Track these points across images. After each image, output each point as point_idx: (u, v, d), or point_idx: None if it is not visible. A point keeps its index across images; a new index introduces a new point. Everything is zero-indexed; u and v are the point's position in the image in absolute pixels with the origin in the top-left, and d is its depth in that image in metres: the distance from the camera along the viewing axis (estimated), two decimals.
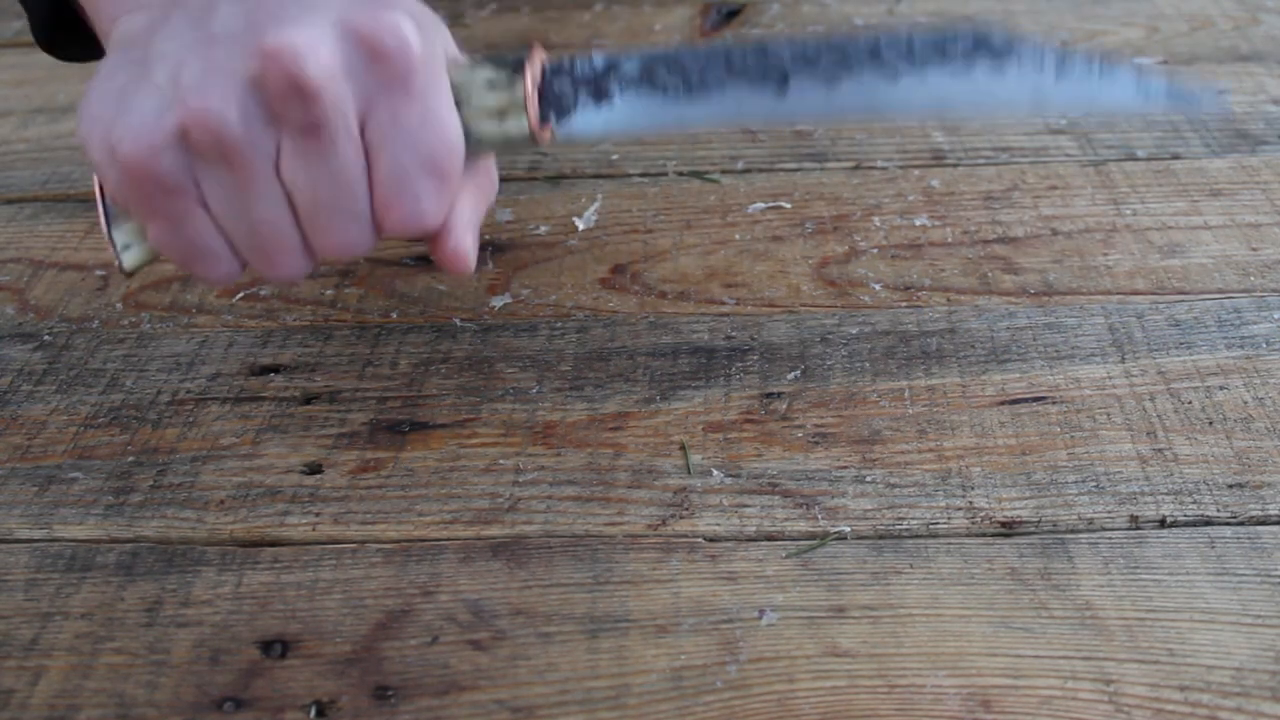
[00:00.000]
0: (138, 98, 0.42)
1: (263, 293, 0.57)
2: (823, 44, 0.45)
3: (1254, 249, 0.57)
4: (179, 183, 0.42)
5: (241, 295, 0.57)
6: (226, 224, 0.43)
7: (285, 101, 0.41)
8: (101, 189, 0.45)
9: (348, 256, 0.45)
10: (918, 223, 0.60)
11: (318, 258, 0.45)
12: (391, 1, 0.42)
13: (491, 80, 0.44)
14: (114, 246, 0.45)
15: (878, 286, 0.56)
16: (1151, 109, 0.44)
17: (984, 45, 0.44)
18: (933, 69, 0.44)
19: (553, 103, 0.45)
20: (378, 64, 0.41)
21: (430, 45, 0.43)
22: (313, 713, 0.39)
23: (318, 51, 0.40)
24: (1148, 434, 0.47)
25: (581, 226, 0.61)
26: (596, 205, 0.63)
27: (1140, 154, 0.65)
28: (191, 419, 0.50)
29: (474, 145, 0.45)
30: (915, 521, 0.44)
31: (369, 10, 0.41)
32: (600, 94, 0.45)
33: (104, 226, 0.45)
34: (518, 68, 0.45)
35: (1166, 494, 0.45)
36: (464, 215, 0.46)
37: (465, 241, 0.46)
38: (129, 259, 0.46)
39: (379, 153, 0.42)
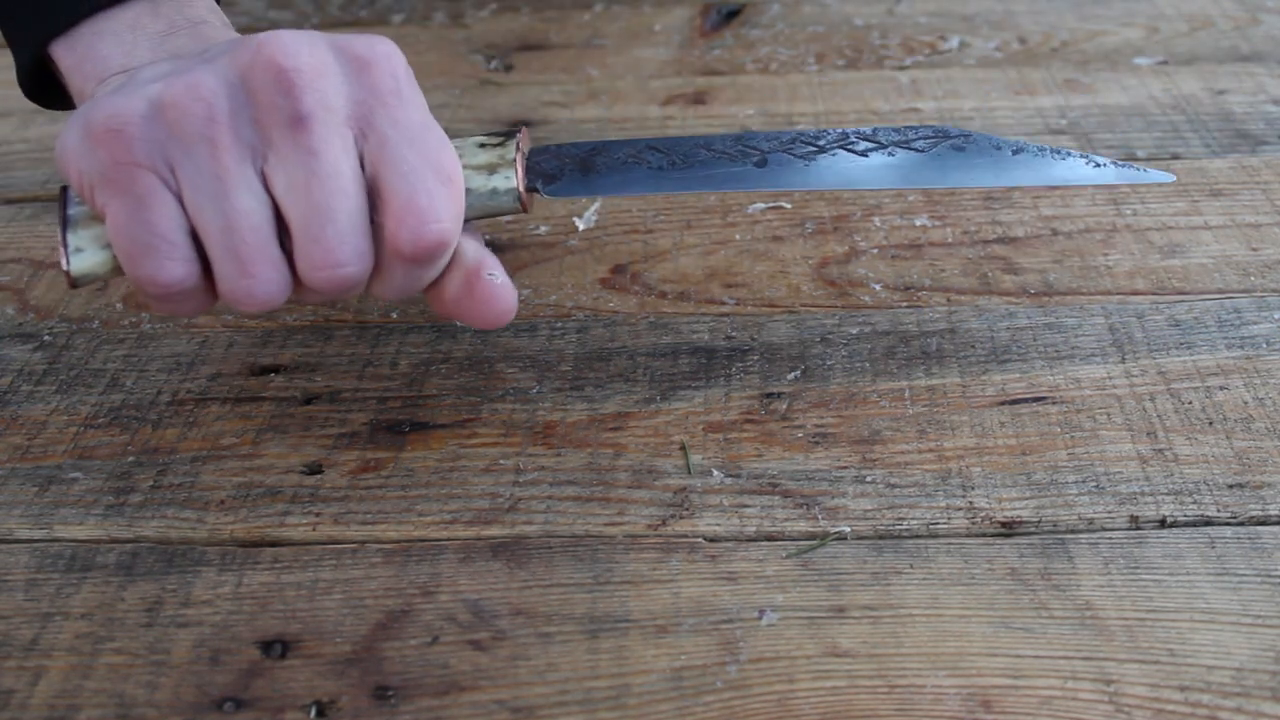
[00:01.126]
0: (120, 92, 0.42)
1: None
2: (796, 132, 0.49)
3: (1254, 249, 0.57)
4: (148, 156, 0.41)
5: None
6: (199, 216, 0.41)
7: (270, 91, 0.40)
8: (65, 194, 0.44)
9: (336, 286, 0.42)
10: (918, 223, 0.60)
11: (303, 278, 0.42)
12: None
13: (482, 143, 0.46)
14: (65, 249, 0.43)
15: (878, 286, 0.56)
16: (1103, 181, 0.50)
17: (941, 133, 0.49)
18: (899, 149, 0.49)
19: (539, 173, 0.48)
20: (367, 74, 0.42)
21: (413, 77, 0.44)
22: (313, 713, 0.39)
23: (301, 46, 0.41)
24: (1148, 434, 0.47)
25: (581, 226, 0.61)
26: (596, 205, 0.63)
27: (1140, 154, 0.65)
28: (192, 419, 0.50)
29: None
30: (915, 521, 0.44)
31: (356, 35, 0.43)
32: (587, 169, 0.48)
33: (60, 230, 0.44)
34: (508, 135, 0.46)
35: (1166, 494, 0.45)
36: (486, 251, 0.45)
37: (505, 275, 0.44)
38: (78, 263, 0.43)
39: (384, 158, 0.41)
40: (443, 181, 0.42)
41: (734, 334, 0.54)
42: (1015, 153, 0.49)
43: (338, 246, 0.41)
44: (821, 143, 0.49)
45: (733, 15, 0.82)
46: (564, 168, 0.48)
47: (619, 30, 0.81)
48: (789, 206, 0.62)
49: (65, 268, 0.44)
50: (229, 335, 0.55)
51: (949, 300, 0.55)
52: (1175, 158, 0.64)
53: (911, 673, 0.39)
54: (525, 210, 0.46)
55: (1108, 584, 0.42)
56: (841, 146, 0.48)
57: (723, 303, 0.55)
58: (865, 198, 0.62)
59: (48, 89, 0.50)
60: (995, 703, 0.38)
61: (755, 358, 0.52)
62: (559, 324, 0.55)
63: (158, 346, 0.55)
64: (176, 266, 0.41)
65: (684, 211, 0.62)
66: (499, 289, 0.44)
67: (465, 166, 0.45)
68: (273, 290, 0.42)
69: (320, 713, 0.39)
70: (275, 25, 0.83)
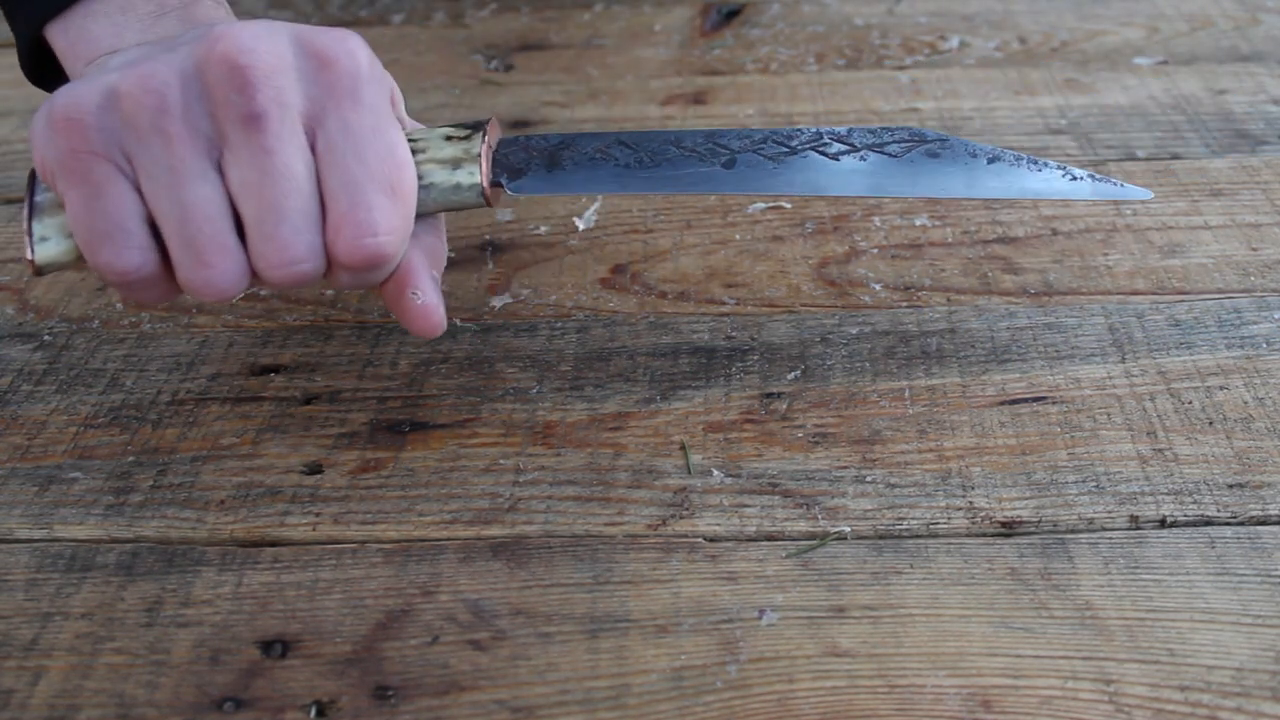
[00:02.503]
0: (83, 81, 0.42)
1: (263, 293, 0.57)
2: (769, 132, 0.48)
3: (1254, 249, 0.57)
4: (104, 145, 0.41)
5: (241, 295, 0.57)
6: (156, 206, 0.41)
7: (225, 87, 0.40)
8: (33, 179, 0.44)
9: (293, 281, 0.42)
10: (918, 223, 0.60)
11: (259, 274, 0.42)
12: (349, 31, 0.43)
13: (449, 135, 0.46)
14: (30, 238, 0.44)
15: (878, 286, 0.56)
16: (1079, 197, 0.49)
17: (917, 137, 0.48)
18: (871, 153, 0.48)
19: (506, 167, 0.47)
20: (326, 72, 0.42)
21: (380, 72, 0.43)
22: (313, 713, 0.39)
23: (260, 42, 0.41)
24: (1148, 434, 0.47)
25: (581, 226, 0.61)
26: (596, 205, 0.63)
27: (1140, 154, 0.65)
28: (191, 419, 0.50)
29: (424, 194, 0.45)
30: (915, 521, 0.44)
31: (323, 29, 0.43)
32: (553, 164, 0.47)
33: (25, 217, 0.44)
34: (476, 128, 0.46)
35: (1166, 494, 0.45)
36: (421, 267, 0.45)
37: (431, 295, 0.44)
38: (42, 252, 0.43)
39: (329, 163, 0.41)
40: (386, 193, 0.42)
41: (734, 334, 0.54)
42: (990, 161, 0.47)
43: (291, 244, 0.41)
44: (794, 143, 0.48)
45: (733, 15, 0.82)
46: (530, 162, 0.47)
47: (619, 30, 0.81)
48: (789, 206, 0.62)
49: (30, 256, 0.44)
50: (229, 335, 0.55)
51: (949, 300, 0.55)
52: (1175, 158, 0.64)
53: (911, 673, 0.39)
54: (489, 205, 0.46)
55: (1108, 584, 0.42)
56: (814, 148, 0.47)
57: (723, 303, 0.55)
58: (865, 197, 0.62)
59: (49, 72, 0.50)
60: (995, 703, 0.38)
61: (755, 358, 0.52)
62: (559, 324, 0.55)
63: (158, 346, 0.55)
64: (133, 254, 0.42)
65: (684, 211, 0.62)
66: (420, 309, 0.44)
67: (429, 160, 0.45)
68: (230, 280, 0.42)
69: (320, 713, 0.39)
70: None
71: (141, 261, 0.42)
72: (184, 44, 0.42)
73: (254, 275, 0.43)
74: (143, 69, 0.41)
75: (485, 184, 0.45)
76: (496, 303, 0.56)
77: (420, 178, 0.45)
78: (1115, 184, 0.48)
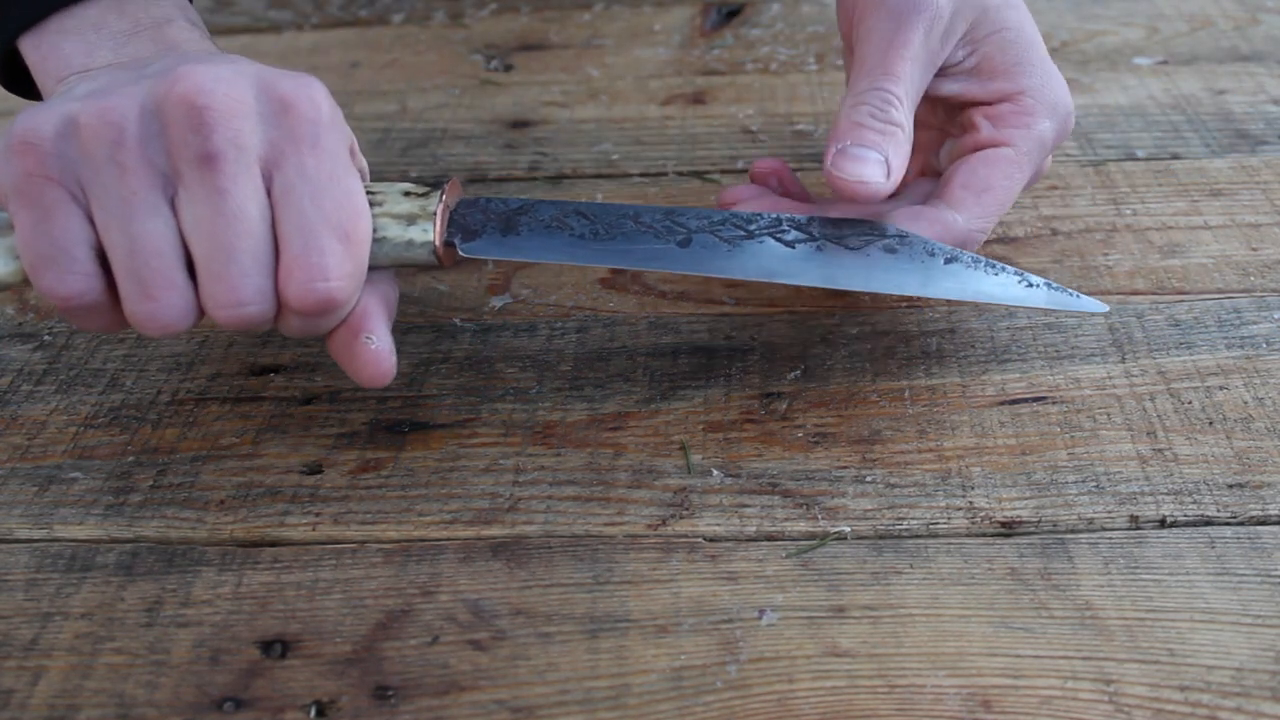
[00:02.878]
0: (45, 106, 0.42)
1: None
2: (728, 214, 0.48)
3: (1254, 249, 0.57)
4: (60, 171, 0.41)
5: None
6: (107, 236, 0.41)
7: (182, 126, 0.40)
8: None
9: (241, 324, 0.42)
10: None
11: (208, 313, 0.42)
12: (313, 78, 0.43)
13: (407, 191, 0.46)
14: None
15: None
16: (1034, 304, 0.49)
17: (878, 231, 0.48)
18: (829, 244, 0.48)
19: (461, 227, 0.47)
20: (286, 116, 0.42)
21: (340, 120, 0.44)
22: (313, 713, 0.39)
23: (220, 84, 0.41)
24: (1148, 434, 0.47)
25: None
26: None
27: (1140, 154, 0.65)
28: (191, 419, 0.50)
29: (376, 248, 0.45)
30: (915, 521, 0.44)
31: (288, 73, 0.43)
32: (509, 229, 0.47)
33: None
34: (435, 186, 0.46)
35: (1166, 494, 0.45)
36: (377, 312, 0.44)
37: (385, 341, 0.44)
38: None
39: (284, 206, 0.42)
40: (340, 239, 0.42)
41: (734, 334, 0.54)
42: (948, 261, 0.47)
43: (240, 285, 0.41)
44: (751, 228, 0.48)
45: (733, 15, 0.82)
46: (487, 224, 0.47)
47: (619, 30, 0.81)
48: None
49: None
50: (229, 335, 0.55)
51: (949, 300, 0.55)
52: (1175, 158, 0.64)
53: (911, 673, 0.39)
54: (442, 265, 0.46)
55: (1108, 584, 0.42)
56: (770, 234, 0.47)
57: (723, 302, 0.55)
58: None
59: (24, 82, 0.50)
60: (995, 703, 0.38)
61: (755, 358, 0.52)
62: (559, 324, 0.55)
63: (157, 346, 0.55)
64: (76, 280, 0.42)
65: None
66: (372, 354, 0.44)
67: (385, 215, 0.45)
68: (174, 316, 0.42)
69: (320, 713, 0.39)
70: (275, 25, 0.83)
71: (85, 288, 0.42)
72: (148, 77, 0.42)
73: (203, 314, 0.43)
74: (104, 101, 0.41)
75: (438, 243, 0.45)
76: (496, 303, 0.56)
77: (374, 230, 0.45)
78: (1071, 295, 0.48)
